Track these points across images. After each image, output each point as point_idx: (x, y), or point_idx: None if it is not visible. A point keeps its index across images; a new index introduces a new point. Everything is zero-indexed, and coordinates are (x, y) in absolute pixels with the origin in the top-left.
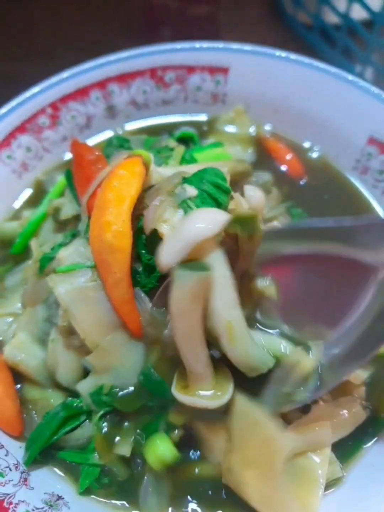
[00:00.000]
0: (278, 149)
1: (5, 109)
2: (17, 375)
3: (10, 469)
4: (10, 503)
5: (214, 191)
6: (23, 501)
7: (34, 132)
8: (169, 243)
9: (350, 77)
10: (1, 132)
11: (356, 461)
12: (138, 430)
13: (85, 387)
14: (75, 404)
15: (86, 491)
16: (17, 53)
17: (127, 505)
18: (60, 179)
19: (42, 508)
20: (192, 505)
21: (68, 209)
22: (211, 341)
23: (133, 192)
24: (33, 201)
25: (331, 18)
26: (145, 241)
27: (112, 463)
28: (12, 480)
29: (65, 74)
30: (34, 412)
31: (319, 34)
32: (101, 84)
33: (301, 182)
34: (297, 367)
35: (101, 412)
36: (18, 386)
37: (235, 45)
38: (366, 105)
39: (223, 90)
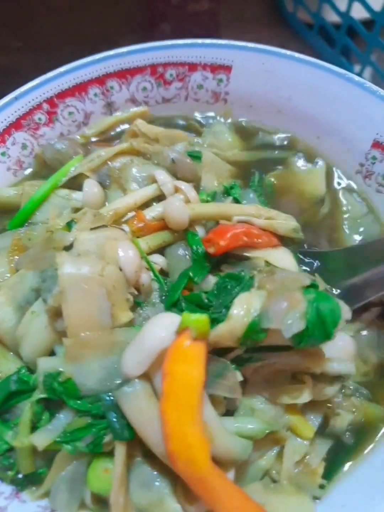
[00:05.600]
0: None
1: None
2: None
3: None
4: None
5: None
6: None
7: (30, 129)
8: (132, 353)
9: (357, 78)
10: None
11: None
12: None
13: (46, 364)
14: (30, 381)
15: None
16: (14, 45)
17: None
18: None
19: None
20: None
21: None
22: None
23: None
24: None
25: (332, 17)
26: None
27: (21, 451)
28: (3, 493)
29: (62, 68)
30: None
31: (318, 33)
32: (100, 80)
33: None
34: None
35: (42, 396)
36: None
37: (238, 42)
38: (371, 107)
39: (225, 89)
